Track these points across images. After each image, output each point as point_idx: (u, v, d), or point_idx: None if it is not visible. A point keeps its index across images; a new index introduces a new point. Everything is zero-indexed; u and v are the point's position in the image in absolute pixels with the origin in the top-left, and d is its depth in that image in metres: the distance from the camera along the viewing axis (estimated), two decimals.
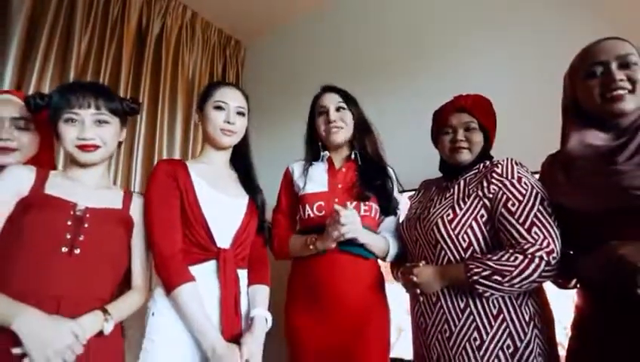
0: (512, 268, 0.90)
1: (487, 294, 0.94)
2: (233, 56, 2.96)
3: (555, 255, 0.91)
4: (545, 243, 0.91)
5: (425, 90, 1.90)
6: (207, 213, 1.04)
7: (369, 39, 2.30)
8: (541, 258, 0.90)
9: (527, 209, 0.95)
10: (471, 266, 0.95)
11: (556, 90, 1.03)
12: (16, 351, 0.75)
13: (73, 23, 2.00)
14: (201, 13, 2.75)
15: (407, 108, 1.97)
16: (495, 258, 0.93)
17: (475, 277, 0.93)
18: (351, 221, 1.06)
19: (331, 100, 1.30)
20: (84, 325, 0.82)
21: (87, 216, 0.91)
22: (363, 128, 1.31)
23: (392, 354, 1.48)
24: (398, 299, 1.48)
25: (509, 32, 1.77)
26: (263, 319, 1.06)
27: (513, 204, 0.97)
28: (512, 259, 0.91)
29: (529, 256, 0.90)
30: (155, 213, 1.01)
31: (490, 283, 0.92)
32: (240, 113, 1.15)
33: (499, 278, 0.91)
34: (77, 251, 0.87)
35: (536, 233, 0.92)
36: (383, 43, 2.22)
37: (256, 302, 1.08)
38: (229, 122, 1.12)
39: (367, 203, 1.21)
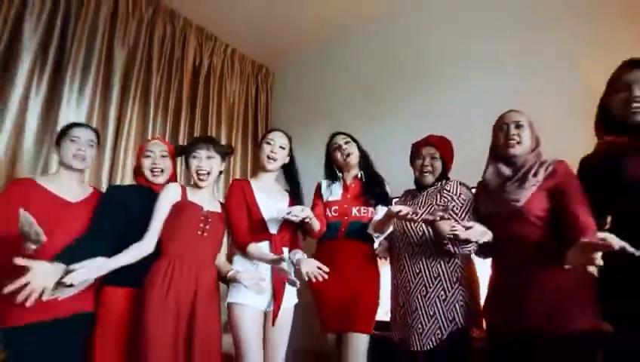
0: None
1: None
2: (264, 82, 3.54)
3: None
4: None
5: (419, 114, 2.48)
6: (264, 212, 1.67)
7: (377, 68, 2.84)
8: None
9: (464, 213, 1.55)
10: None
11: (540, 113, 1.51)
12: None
13: (150, 67, 2.67)
14: (239, 49, 3.34)
15: (408, 127, 2.45)
16: None
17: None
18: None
19: (340, 139, 1.92)
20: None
21: (209, 215, 1.56)
22: (364, 156, 1.94)
23: (379, 318, 2.03)
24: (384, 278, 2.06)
25: (490, 61, 2.32)
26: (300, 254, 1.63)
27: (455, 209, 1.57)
28: None
29: None
30: (232, 213, 1.65)
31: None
32: (281, 147, 1.77)
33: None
34: (205, 234, 1.52)
35: None
36: (390, 71, 2.78)
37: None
38: (272, 151, 1.74)
39: (368, 207, 1.83)
